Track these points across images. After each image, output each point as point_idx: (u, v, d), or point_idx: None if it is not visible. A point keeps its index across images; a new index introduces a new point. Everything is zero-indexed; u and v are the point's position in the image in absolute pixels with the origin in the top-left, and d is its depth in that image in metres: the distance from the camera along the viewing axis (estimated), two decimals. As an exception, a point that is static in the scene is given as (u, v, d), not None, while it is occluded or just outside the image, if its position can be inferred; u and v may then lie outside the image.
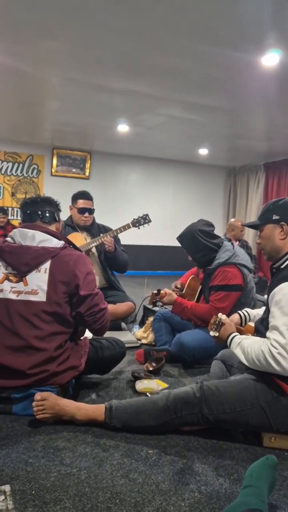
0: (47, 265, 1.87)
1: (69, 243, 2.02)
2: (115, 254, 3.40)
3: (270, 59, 3.32)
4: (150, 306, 2.86)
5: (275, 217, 1.80)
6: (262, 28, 2.86)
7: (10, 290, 1.85)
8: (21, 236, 1.93)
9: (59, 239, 1.97)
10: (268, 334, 1.64)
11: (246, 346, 1.70)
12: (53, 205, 2.10)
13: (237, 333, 1.83)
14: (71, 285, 1.88)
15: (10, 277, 1.87)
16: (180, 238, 2.75)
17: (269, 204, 1.87)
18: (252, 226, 1.97)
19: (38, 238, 1.91)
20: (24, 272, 1.87)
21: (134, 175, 8.12)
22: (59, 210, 2.15)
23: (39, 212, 2.03)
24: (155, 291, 2.75)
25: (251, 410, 1.65)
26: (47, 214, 2.04)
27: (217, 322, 1.88)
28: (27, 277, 1.86)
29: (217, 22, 2.80)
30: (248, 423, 1.67)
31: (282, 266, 1.76)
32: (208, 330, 2.61)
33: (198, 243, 2.66)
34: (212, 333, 1.89)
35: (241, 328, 2.04)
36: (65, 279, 1.87)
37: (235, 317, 2.15)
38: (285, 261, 1.77)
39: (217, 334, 1.87)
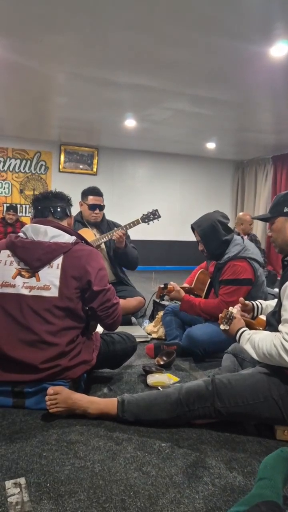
0: (59, 260, 1.88)
1: (81, 238, 2.02)
2: (125, 250, 3.40)
3: (278, 50, 3.29)
4: (157, 300, 2.86)
5: (286, 209, 1.80)
6: (270, 18, 2.82)
7: (22, 285, 1.86)
8: (33, 232, 1.93)
9: (71, 234, 1.98)
10: (280, 327, 1.63)
11: (257, 341, 1.69)
12: (64, 201, 2.10)
13: (246, 328, 1.82)
14: (83, 281, 1.88)
15: (23, 273, 1.88)
16: (196, 226, 2.69)
17: (280, 196, 1.86)
18: (262, 219, 1.97)
19: (50, 234, 1.92)
20: (37, 268, 1.87)
21: (141, 170, 8.11)
22: (71, 205, 2.15)
23: (51, 208, 2.03)
24: (162, 285, 2.74)
25: (264, 403, 1.64)
26: (59, 210, 2.04)
27: (227, 316, 1.87)
28: (39, 272, 1.87)
29: (224, 13, 2.77)
30: (261, 416, 1.67)
31: None
32: (217, 324, 2.62)
33: (216, 234, 2.62)
34: (222, 327, 1.87)
35: (252, 322, 2.03)
36: (77, 274, 1.87)
37: (249, 303, 2.13)
38: None
39: (227, 328, 1.86)
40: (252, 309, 2.14)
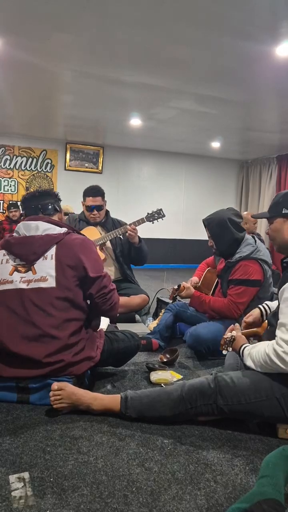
0: (52, 251, 1.91)
1: (72, 229, 2.06)
2: (140, 245, 3.43)
3: (285, 49, 3.27)
4: (170, 301, 2.88)
5: (285, 211, 1.78)
6: (276, 17, 2.81)
7: (20, 280, 1.88)
8: (25, 228, 1.96)
9: (62, 227, 2.01)
10: (276, 332, 1.64)
11: (254, 355, 1.71)
12: (52, 197, 2.15)
13: (247, 344, 1.83)
14: (79, 269, 1.91)
15: (19, 268, 1.91)
16: (207, 222, 2.67)
17: (280, 196, 1.84)
18: (262, 217, 1.96)
19: (42, 228, 1.95)
20: (32, 261, 1.90)
21: (146, 169, 8.11)
22: (59, 200, 2.20)
23: (40, 206, 2.08)
24: (176, 287, 2.74)
25: (266, 402, 1.65)
26: (49, 206, 2.10)
27: (227, 341, 1.89)
28: (35, 265, 1.90)
29: (230, 11, 2.76)
30: (263, 415, 1.67)
31: None
32: (222, 322, 2.62)
33: (226, 232, 2.60)
34: (224, 352, 1.91)
35: (257, 331, 2.03)
36: (71, 263, 1.90)
37: (256, 311, 2.14)
38: None
39: (230, 350, 1.89)
40: (261, 314, 2.14)
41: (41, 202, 2.08)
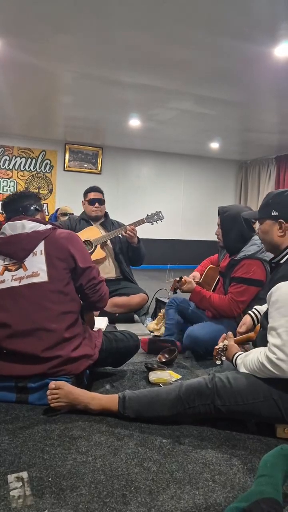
0: (41, 246, 1.92)
1: (57, 226, 2.08)
2: (139, 245, 3.47)
3: (283, 50, 3.28)
4: (171, 293, 2.89)
5: (274, 213, 1.78)
6: (275, 18, 2.82)
7: (11, 278, 1.89)
8: (11, 228, 1.97)
9: (46, 224, 2.03)
10: (268, 337, 1.64)
11: (247, 363, 1.72)
12: (32, 198, 2.17)
13: (240, 353, 1.83)
14: (69, 260, 1.93)
15: (9, 267, 1.92)
16: (223, 211, 2.68)
17: (270, 197, 1.83)
18: (252, 218, 1.95)
19: (28, 226, 1.97)
20: (22, 258, 1.91)
21: (145, 170, 8.11)
22: (39, 200, 2.22)
23: (21, 208, 2.10)
24: (177, 278, 2.75)
25: (264, 403, 1.65)
26: (31, 208, 2.12)
27: (220, 351, 1.89)
28: (25, 262, 1.91)
29: (229, 12, 2.77)
30: (261, 415, 1.67)
31: (282, 261, 1.76)
32: (220, 323, 2.63)
33: (237, 227, 2.61)
34: (218, 362, 1.91)
35: (250, 335, 2.04)
36: (61, 256, 1.92)
37: (247, 319, 2.13)
38: (284, 255, 1.76)
39: (224, 359, 1.89)
40: (252, 320, 2.14)
41: (21, 204, 2.11)
